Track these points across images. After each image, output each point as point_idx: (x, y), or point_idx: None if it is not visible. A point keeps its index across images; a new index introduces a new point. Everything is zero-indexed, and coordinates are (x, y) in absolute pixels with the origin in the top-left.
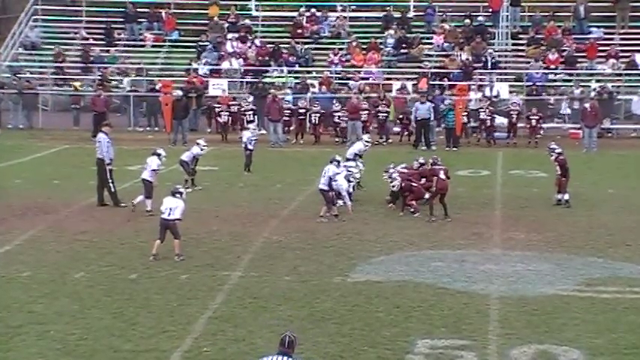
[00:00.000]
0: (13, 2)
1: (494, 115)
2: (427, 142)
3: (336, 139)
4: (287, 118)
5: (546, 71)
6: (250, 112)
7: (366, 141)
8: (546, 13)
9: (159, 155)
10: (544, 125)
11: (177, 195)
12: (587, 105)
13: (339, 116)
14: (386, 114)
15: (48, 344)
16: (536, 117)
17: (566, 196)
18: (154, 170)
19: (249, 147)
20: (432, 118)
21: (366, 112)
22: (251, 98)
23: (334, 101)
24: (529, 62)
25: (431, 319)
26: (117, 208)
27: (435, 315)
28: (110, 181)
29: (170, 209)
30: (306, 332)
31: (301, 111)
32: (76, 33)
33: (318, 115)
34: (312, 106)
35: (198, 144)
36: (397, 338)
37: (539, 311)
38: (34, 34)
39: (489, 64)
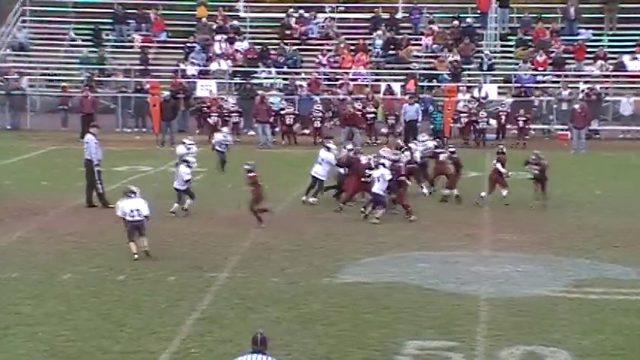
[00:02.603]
0: (0, 3)
1: (486, 118)
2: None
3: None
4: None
5: (535, 72)
6: (235, 114)
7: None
8: (535, 15)
9: (187, 163)
10: (532, 126)
11: (132, 195)
12: (576, 106)
13: (320, 118)
14: (374, 115)
15: (36, 346)
16: (524, 118)
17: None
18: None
19: (218, 149)
20: (419, 120)
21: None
22: (232, 99)
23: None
24: (517, 63)
25: (419, 321)
26: (105, 209)
27: (424, 316)
28: (99, 182)
29: (135, 211)
30: (294, 333)
31: (282, 112)
32: (64, 34)
33: (292, 116)
34: (287, 107)
35: (183, 143)
36: (386, 339)
37: (528, 312)
38: (22, 35)
39: (485, 65)
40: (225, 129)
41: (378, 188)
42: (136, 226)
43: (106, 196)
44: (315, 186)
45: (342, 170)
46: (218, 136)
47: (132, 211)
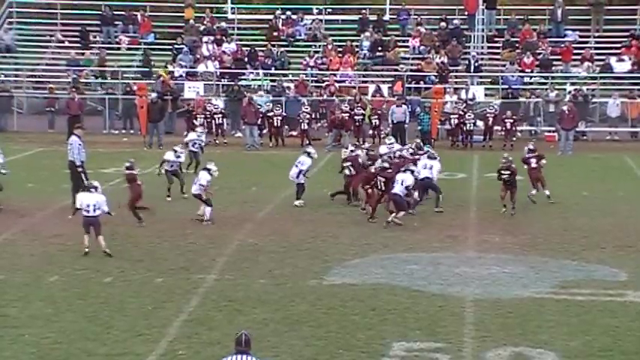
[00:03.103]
0: None
1: (473, 119)
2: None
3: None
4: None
5: (522, 74)
6: (219, 115)
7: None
8: (521, 17)
9: (209, 170)
10: (519, 128)
11: (92, 190)
12: (565, 108)
13: (307, 119)
14: (361, 116)
15: (22, 348)
16: (511, 120)
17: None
18: (201, 185)
19: (192, 148)
20: (407, 121)
21: (347, 115)
22: (219, 101)
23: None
24: (504, 65)
25: (406, 322)
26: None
27: (411, 318)
28: (80, 184)
29: (93, 206)
30: (281, 335)
31: (269, 114)
32: (51, 36)
33: (280, 117)
34: (275, 108)
35: (174, 150)
36: (372, 341)
37: (514, 314)
38: (8, 37)
39: (472, 67)
40: (199, 129)
41: (398, 190)
42: (90, 221)
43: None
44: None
45: (347, 171)
46: (191, 135)
47: (88, 205)
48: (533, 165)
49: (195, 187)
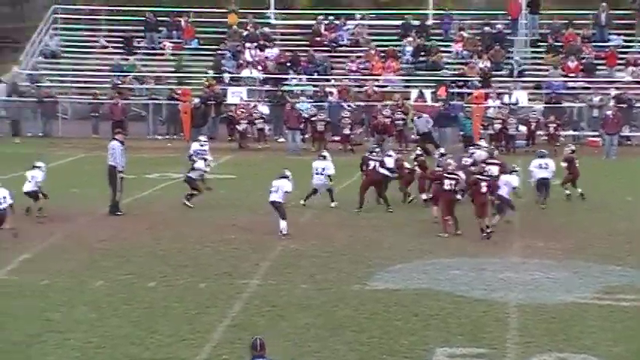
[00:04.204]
0: (32, 11)
1: (516, 124)
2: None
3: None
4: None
5: (565, 79)
6: (260, 120)
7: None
8: (565, 21)
9: (287, 177)
10: (562, 132)
11: None
12: (609, 112)
13: (349, 124)
14: (403, 121)
15: (67, 353)
16: (555, 124)
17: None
18: (286, 192)
19: (195, 159)
20: (432, 130)
21: (389, 120)
22: (264, 107)
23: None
24: (548, 70)
25: (449, 328)
26: (116, 216)
27: (454, 323)
28: (118, 189)
29: (2, 198)
30: (324, 340)
31: (313, 119)
32: (95, 42)
33: (323, 122)
34: (319, 113)
35: (198, 140)
36: (415, 347)
37: (558, 319)
38: (53, 42)
39: (515, 72)
40: (202, 137)
41: (505, 192)
42: (3, 214)
43: (122, 203)
44: (315, 193)
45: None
46: (194, 146)
47: (2, 197)
48: (577, 164)
49: (276, 195)
